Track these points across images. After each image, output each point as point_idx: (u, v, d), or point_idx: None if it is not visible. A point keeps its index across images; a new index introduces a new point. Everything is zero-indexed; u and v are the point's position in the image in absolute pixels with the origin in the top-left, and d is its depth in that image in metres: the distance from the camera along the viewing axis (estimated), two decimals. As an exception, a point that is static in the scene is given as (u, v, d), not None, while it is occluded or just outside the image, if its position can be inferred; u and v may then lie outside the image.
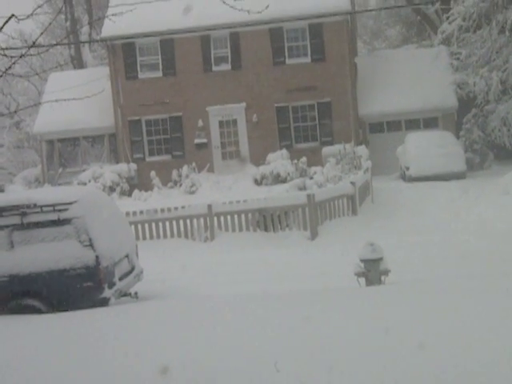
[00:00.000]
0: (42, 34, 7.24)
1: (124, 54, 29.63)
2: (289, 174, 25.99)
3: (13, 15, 6.53)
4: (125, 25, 27.28)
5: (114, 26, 24.78)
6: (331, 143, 28.25)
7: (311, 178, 24.04)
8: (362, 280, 10.83)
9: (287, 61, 29.09)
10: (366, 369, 6.30)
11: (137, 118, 29.76)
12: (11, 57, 7.35)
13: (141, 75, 29.75)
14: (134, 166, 29.21)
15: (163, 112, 29.64)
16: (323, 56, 28.86)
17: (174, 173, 28.19)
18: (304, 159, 26.87)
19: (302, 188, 20.86)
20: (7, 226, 11.28)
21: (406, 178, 25.72)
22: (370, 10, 40.36)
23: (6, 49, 7.35)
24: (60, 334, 9.18)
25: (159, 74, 29.68)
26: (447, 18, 29.00)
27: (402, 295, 9.23)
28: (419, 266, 13.62)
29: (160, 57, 29.58)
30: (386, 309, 8.33)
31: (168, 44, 29.39)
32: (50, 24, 7.79)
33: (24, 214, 11.26)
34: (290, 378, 6.22)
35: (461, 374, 6.00)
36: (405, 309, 8.20)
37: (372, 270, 10.68)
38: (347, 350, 6.84)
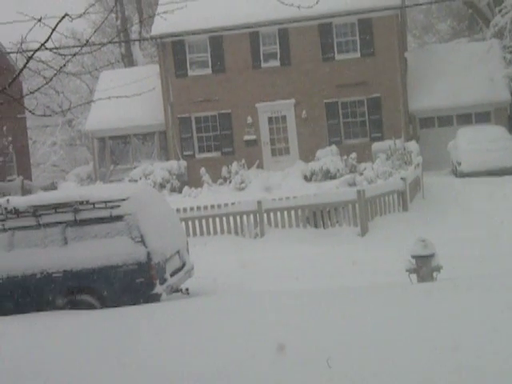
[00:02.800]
0: (95, 32, 7.33)
1: (174, 52, 29.81)
2: (338, 170, 25.87)
3: (66, 14, 6.61)
4: (174, 23, 27.50)
5: (164, 23, 25.10)
6: (381, 139, 28.03)
7: (361, 174, 23.91)
8: (414, 276, 10.74)
9: (336, 56, 28.94)
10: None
11: (187, 115, 29.92)
12: (64, 55, 7.44)
13: (190, 72, 29.89)
14: (183, 162, 29.38)
15: (213, 109, 29.74)
16: (373, 51, 28.64)
17: (224, 169, 28.28)
18: (354, 155, 26.74)
19: (352, 184, 20.78)
20: (61, 223, 11.46)
21: (457, 173, 25.39)
22: (421, 5, 39.75)
23: (60, 48, 7.44)
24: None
25: (208, 71, 29.78)
26: (499, 11, 28.63)
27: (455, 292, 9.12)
28: (471, 262, 13.44)
29: (209, 54, 29.68)
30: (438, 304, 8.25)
31: (217, 41, 29.48)
32: (103, 23, 7.87)
33: (77, 211, 11.43)
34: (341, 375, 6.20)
35: None
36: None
37: (424, 267, 10.58)
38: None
